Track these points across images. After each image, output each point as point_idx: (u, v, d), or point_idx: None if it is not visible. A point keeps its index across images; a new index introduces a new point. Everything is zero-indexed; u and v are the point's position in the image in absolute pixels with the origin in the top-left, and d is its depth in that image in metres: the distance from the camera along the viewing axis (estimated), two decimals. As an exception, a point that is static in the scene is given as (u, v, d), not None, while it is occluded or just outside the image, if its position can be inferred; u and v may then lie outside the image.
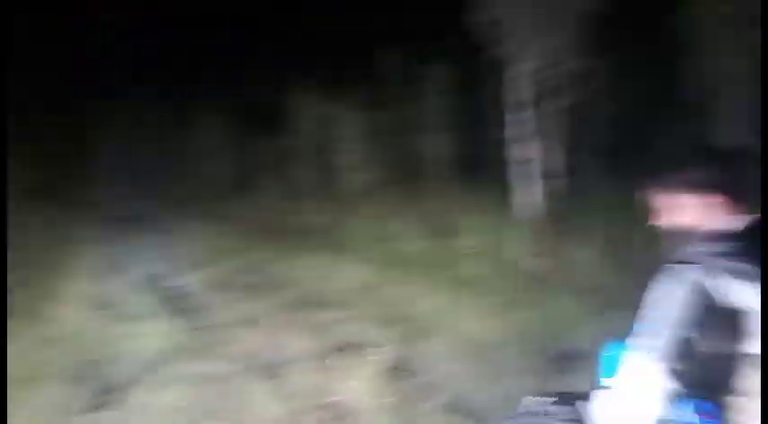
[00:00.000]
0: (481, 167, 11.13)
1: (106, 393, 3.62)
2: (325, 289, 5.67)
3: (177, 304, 5.66)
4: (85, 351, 4.25)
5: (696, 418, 1.49)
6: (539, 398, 2.14)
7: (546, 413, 2.09)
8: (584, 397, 1.94)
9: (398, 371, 3.86)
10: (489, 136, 11.93)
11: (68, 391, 3.60)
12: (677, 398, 1.49)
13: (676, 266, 1.50)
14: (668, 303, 1.46)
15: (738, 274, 1.42)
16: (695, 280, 1.44)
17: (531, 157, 8.59)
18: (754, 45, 7.98)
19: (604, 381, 1.84)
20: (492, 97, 12.10)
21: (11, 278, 4.55)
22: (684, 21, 9.25)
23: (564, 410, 2.03)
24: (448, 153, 12.05)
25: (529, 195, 8.41)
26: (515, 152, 8.65)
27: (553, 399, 2.12)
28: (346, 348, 4.17)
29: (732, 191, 1.63)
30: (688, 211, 1.66)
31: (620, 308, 2.21)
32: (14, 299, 4.56)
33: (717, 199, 1.63)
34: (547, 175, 8.84)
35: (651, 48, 10.60)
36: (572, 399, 2.05)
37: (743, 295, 1.41)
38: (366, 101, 11.87)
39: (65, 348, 4.25)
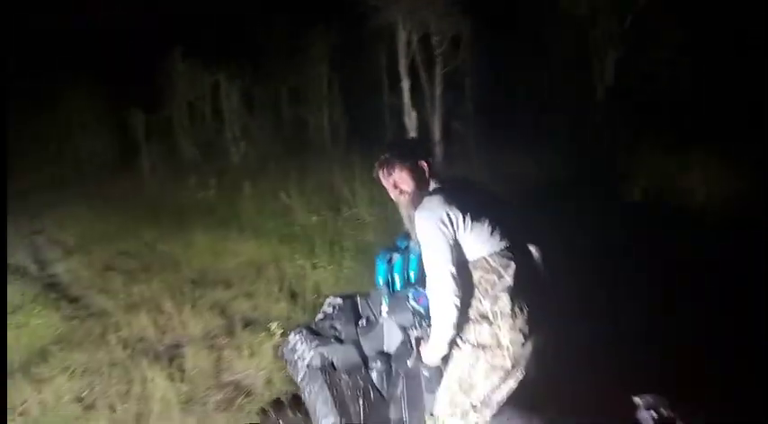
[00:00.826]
0: (372, 137, 11.26)
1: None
2: (216, 268, 5.63)
3: (62, 291, 5.46)
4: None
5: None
6: (337, 298, 3.00)
7: (334, 310, 2.91)
8: (366, 295, 2.90)
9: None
10: (380, 106, 12.10)
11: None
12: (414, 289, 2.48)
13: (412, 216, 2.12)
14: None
15: (452, 215, 2.02)
16: (434, 222, 2.03)
17: (416, 126, 8.79)
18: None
19: (379, 282, 2.70)
20: (378, 66, 12.25)
21: None
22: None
23: (348, 302, 2.91)
24: (338, 123, 12.09)
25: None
26: (405, 121, 8.78)
27: (344, 296, 3.00)
28: (243, 326, 4.22)
29: (430, 158, 2.26)
30: (405, 177, 2.22)
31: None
32: None
33: (423, 166, 2.23)
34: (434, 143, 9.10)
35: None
36: (355, 296, 2.95)
37: (458, 228, 2.04)
38: (250, 72, 11.61)
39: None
